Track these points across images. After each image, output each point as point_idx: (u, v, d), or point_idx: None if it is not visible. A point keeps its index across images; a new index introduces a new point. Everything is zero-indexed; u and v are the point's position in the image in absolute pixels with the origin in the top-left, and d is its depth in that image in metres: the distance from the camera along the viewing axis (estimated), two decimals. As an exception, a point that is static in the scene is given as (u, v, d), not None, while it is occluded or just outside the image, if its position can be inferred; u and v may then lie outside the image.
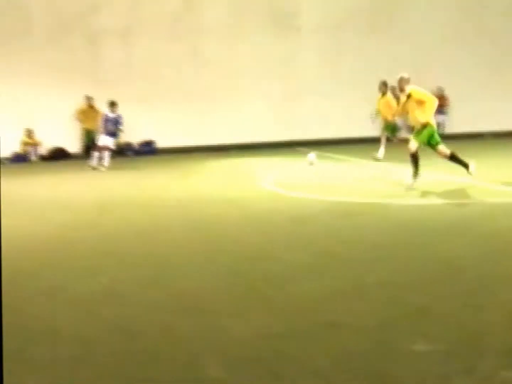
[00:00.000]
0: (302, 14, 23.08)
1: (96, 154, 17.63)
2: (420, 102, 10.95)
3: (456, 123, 22.72)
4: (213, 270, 6.12)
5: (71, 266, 6.55)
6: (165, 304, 5.07)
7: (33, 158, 21.37)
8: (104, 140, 17.87)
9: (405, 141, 11.86)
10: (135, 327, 4.60)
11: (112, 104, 18.10)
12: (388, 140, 17.19)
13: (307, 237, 7.53)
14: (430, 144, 10.88)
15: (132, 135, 20.80)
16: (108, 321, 4.74)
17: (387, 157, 15.91)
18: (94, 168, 17.13)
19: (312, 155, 15.29)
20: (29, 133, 21.44)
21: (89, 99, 21.47)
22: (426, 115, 10.82)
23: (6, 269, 6.24)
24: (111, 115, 18.01)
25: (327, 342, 4.12)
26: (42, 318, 4.88)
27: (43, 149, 21.77)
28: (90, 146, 21.76)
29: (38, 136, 21.55)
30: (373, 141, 18.11)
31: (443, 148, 10.84)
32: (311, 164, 15.12)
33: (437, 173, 12.05)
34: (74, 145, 21.85)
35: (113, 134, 18.11)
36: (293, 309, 4.82)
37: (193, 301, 5.13)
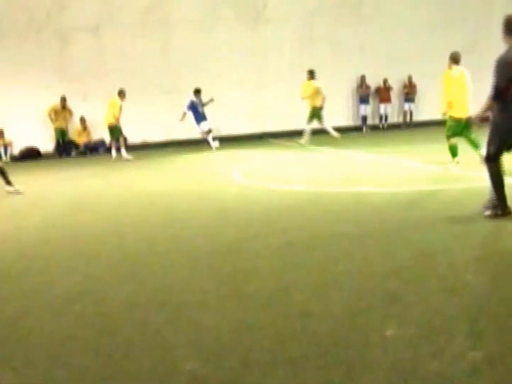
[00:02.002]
0: (270, 5, 23.13)
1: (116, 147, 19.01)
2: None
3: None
4: (186, 264, 6.15)
5: (45, 266, 6.54)
6: (139, 300, 5.09)
7: (4, 158, 21.19)
8: (204, 125, 19.80)
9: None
10: (109, 323, 4.61)
11: (197, 91, 20.02)
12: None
13: (279, 228, 7.56)
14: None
15: (104, 131, 20.68)
16: (82, 319, 4.75)
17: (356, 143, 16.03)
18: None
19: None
20: (0, 134, 21.27)
21: (63, 100, 21.41)
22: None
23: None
24: (196, 100, 19.81)
25: (299, 331, 4.17)
26: (16, 320, 4.87)
27: (15, 149, 21.61)
28: (61, 145, 21.73)
29: (9, 136, 21.38)
30: (347, 130, 18.29)
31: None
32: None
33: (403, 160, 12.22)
34: (46, 144, 21.71)
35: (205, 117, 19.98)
36: (265, 300, 4.86)
37: (167, 296, 5.15)
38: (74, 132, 22.09)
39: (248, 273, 5.68)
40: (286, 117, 22.67)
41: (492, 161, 7.13)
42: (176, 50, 22.44)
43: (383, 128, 24.90)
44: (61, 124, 21.66)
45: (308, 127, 18.75)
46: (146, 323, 4.54)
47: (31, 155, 21.19)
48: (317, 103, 18.50)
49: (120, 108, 18.71)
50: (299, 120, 21.44)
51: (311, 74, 18.80)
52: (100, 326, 4.57)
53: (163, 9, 22.42)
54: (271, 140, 21.29)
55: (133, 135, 21.34)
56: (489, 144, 7.16)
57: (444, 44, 18.40)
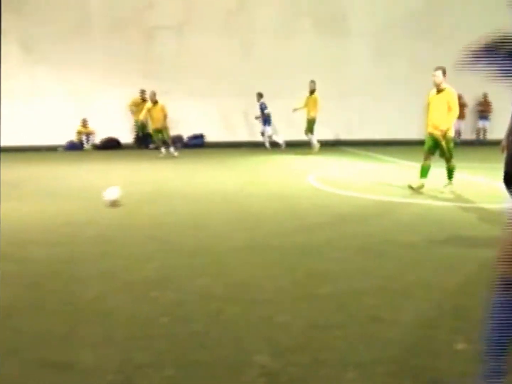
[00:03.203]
0: (351, 17, 23.14)
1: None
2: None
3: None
4: (259, 263, 6.29)
5: (124, 251, 6.80)
6: (214, 293, 5.25)
7: (86, 146, 21.88)
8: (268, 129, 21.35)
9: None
10: (186, 312, 4.78)
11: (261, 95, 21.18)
12: None
13: (349, 234, 7.65)
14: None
15: (182, 128, 21.10)
16: (160, 305, 4.95)
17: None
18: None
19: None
20: (84, 123, 21.98)
21: (143, 92, 21.95)
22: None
23: (62, 254, 6.57)
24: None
25: (369, 335, 4.25)
26: (95, 301, 5.10)
27: (97, 139, 22.29)
28: (141, 137, 22.29)
29: (92, 126, 22.07)
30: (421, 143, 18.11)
31: None
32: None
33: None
34: (126, 136, 22.30)
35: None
36: (336, 303, 4.95)
37: (241, 292, 5.29)
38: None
39: (321, 275, 5.78)
40: (358, 127, 22.66)
41: None
42: (254, 55, 22.70)
43: (455, 143, 24.46)
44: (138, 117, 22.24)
45: (311, 137, 19.36)
46: (220, 315, 4.69)
47: (111, 145, 21.79)
48: (315, 114, 18.94)
49: (147, 109, 18.84)
50: (370, 130, 21.46)
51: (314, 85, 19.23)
52: (177, 314, 4.74)
53: (245, 14, 22.71)
54: (344, 148, 21.31)
55: (210, 134, 21.71)
56: None
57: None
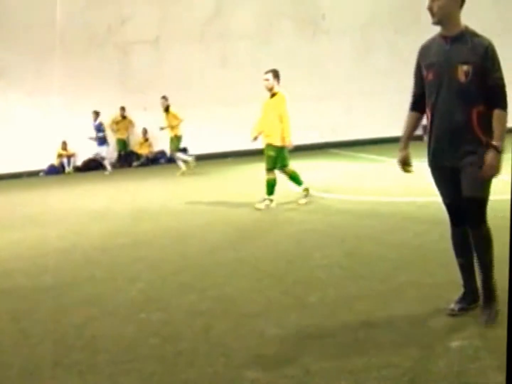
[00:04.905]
0: (328, 17, 23.14)
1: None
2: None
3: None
4: (247, 274, 6.20)
5: (109, 273, 6.70)
6: (202, 308, 5.16)
7: (68, 169, 21.71)
8: None
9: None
10: (173, 331, 4.69)
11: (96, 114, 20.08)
12: None
13: (338, 237, 7.57)
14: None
15: (164, 143, 20.98)
16: (146, 326, 4.84)
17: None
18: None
19: None
20: (64, 145, 21.82)
21: (123, 109, 21.84)
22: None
23: (47, 281, 6.45)
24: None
25: (362, 341, 4.16)
26: (81, 327, 5.00)
27: (78, 160, 22.12)
28: (122, 155, 22.16)
29: (72, 148, 21.91)
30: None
31: None
32: None
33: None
34: (108, 155, 22.13)
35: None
36: (327, 310, 4.86)
37: (229, 305, 5.21)
38: (135, 143, 22.48)
39: (309, 283, 5.69)
40: (343, 127, 22.60)
41: None
42: (234, 62, 22.63)
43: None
44: (122, 134, 22.10)
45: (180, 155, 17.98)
46: (209, 331, 4.60)
47: (93, 166, 21.61)
48: (177, 131, 17.37)
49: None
50: (356, 131, 21.41)
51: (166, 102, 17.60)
52: (164, 333, 4.65)
53: (221, 22, 22.67)
54: (331, 151, 21.22)
55: (193, 147, 21.58)
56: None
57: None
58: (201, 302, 5.33)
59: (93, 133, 20.41)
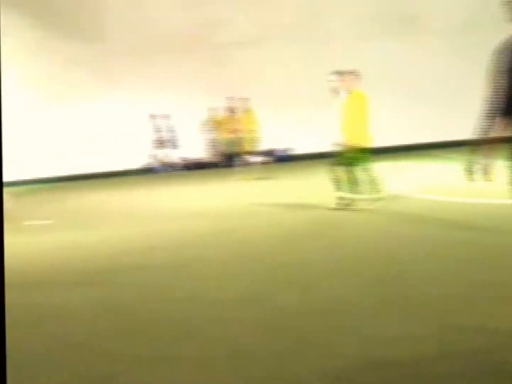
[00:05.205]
0: (428, 17, 22.65)
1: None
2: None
3: None
4: (350, 277, 6.11)
5: (214, 270, 6.81)
6: (301, 308, 5.16)
7: (169, 169, 22.06)
8: None
9: None
10: (274, 327, 4.74)
11: None
12: None
13: (448, 243, 7.22)
14: None
15: (270, 142, 21.08)
16: (248, 323, 4.88)
17: None
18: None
19: None
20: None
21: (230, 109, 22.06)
22: None
23: (147, 278, 6.57)
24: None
25: (458, 345, 4.06)
26: (182, 321, 5.10)
27: (181, 160, 22.49)
28: (228, 155, 22.32)
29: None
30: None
31: None
32: None
33: None
34: (210, 155, 22.52)
35: None
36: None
37: (327, 304, 5.20)
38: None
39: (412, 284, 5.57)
40: (441, 128, 21.99)
41: None
42: (333, 62, 22.41)
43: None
44: (227, 134, 22.24)
45: None
46: (307, 330, 4.61)
47: (195, 165, 21.95)
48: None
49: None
50: (454, 131, 20.78)
51: None
52: (265, 329, 4.70)
53: (317, 23, 22.61)
54: (429, 152, 20.54)
55: (298, 147, 21.63)
56: None
57: None
58: (300, 302, 5.31)
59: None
